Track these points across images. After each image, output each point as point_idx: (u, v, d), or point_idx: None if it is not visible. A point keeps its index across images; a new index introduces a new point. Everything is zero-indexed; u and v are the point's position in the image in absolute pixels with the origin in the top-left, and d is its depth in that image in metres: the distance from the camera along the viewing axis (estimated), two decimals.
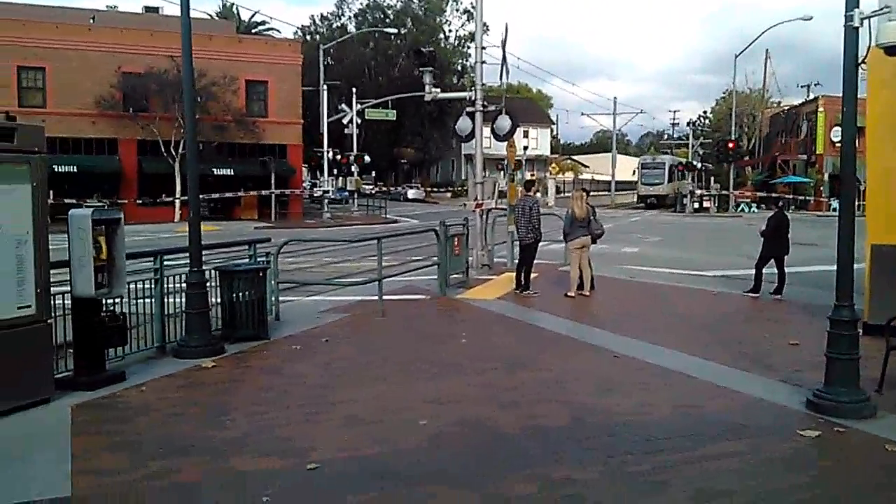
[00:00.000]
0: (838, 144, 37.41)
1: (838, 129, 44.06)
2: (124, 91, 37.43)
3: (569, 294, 13.53)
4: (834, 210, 49.23)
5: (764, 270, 13.94)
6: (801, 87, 64.27)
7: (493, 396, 7.52)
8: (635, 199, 63.38)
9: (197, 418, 6.82)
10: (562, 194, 56.70)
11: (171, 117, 35.94)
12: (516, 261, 14.72)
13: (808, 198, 50.74)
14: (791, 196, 48.52)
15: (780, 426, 6.69)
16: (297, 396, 7.50)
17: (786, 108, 65.35)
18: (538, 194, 16.58)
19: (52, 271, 7.33)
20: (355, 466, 5.70)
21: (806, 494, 5.34)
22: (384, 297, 12.05)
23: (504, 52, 16.33)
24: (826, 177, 52.48)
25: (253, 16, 71.59)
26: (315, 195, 45.31)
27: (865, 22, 6.96)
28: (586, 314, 12.24)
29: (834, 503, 5.32)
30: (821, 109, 53.26)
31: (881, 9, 7.26)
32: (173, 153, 36.85)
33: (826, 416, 6.82)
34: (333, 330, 10.71)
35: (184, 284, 9.24)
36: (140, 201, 36.52)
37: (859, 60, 7.09)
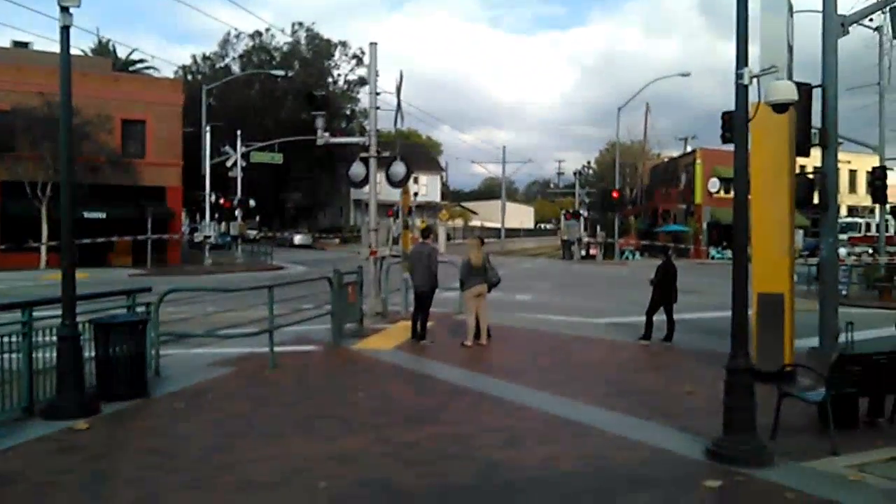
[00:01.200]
0: (715, 195, 39.61)
1: (715, 180, 46.55)
2: None
3: (465, 343, 13.38)
4: (712, 258, 51.95)
5: (654, 318, 14.25)
6: (679, 139, 67.79)
7: (395, 453, 7.22)
8: (559, 243, 67.73)
9: (73, 488, 6.18)
10: (452, 241, 57.11)
11: (39, 157, 33.92)
12: (411, 309, 14.47)
13: (688, 246, 53.09)
14: (672, 244, 50.80)
15: (684, 477, 6.69)
16: (184, 460, 6.94)
17: (665, 159, 68.66)
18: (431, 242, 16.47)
19: None
20: None
21: None
22: (275, 349, 11.50)
23: (399, 99, 16.33)
24: (704, 225, 55.15)
25: (130, 53, 69.44)
26: (196, 240, 43.71)
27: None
28: (484, 364, 12.10)
29: None
30: (698, 161, 56.15)
31: (769, 68, 7.58)
32: (40, 195, 34.74)
33: (726, 464, 6.89)
34: (221, 385, 10.12)
35: (54, 338, 8.49)
36: (3, 247, 34.15)
37: (750, 116, 7.34)
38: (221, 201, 41.97)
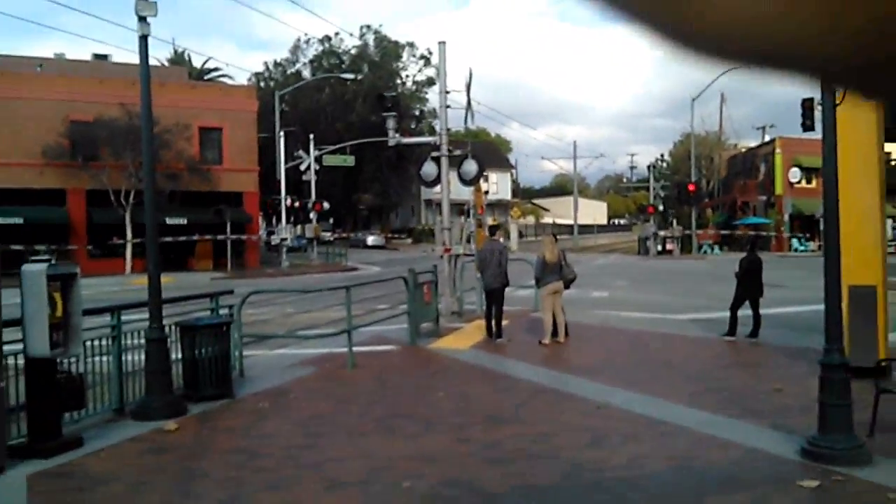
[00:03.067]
0: (797, 185, 38.31)
1: (796, 169, 45.01)
2: (73, 140, 36.47)
3: (543, 342, 13.22)
4: (795, 250, 50.34)
5: (738, 313, 13.83)
6: (757, 129, 65.68)
7: (478, 453, 7.17)
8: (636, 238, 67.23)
9: (165, 486, 6.32)
10: (524, 238, 56.86)
11: (122, 166, 35.14)
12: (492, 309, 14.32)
13: (769, 236, 51.53)
14: (753, 233, 49.45)
15: (778, 477, 6.44)
16: (271, 458, 7.03)
17: (743, 149, 66.70)
18: (501, 239, 16.40)
19: (2, 330, 6.83)
20: None
21: None
22: (353, 349, 11.60)
23: (469, 96, 16.26)
24: (786, 217, 53.40)
25: (205, 62, 71.40)
26: (273, 243, 44.56)
27: None
28: (563, 362, 11.95)
29: None
30: (778, 151, 54.33)
31: None
32: (124, 203, 35.94)
33: (822, 464, 6.60)
34: (303, 385, 10.24)
35: (142, 341, 8.74)
36: (92, 252, 35.49)
37: (837, 101, 7.03)
38: (297, 204, 42.69)
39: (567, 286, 13.71)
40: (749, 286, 13.71)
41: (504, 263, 13.76)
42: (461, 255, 17.16)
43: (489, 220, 31.36)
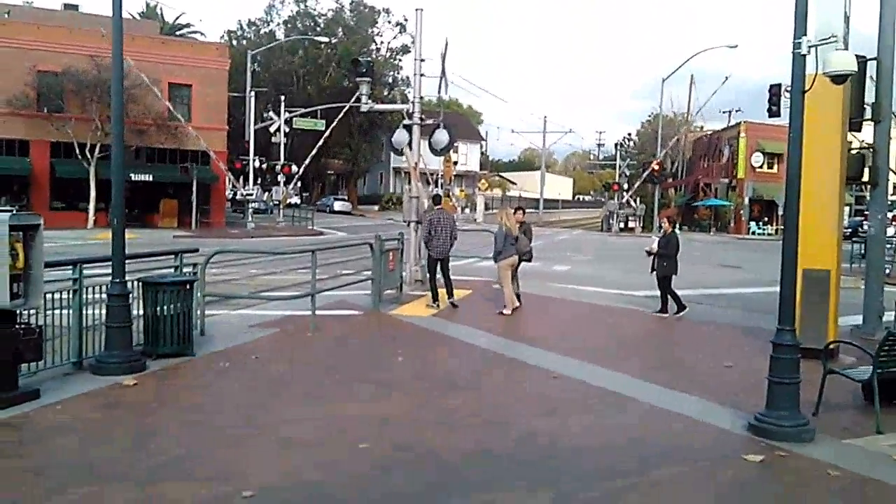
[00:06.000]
0: (759, 169, 38.85)
1: (758, 154, 45.51)
2: (39, 90, 35.78)
3: (504, 312, 13.37)
4: (753, 233, 51.26)
5: (673, 289, 14.05)
6: (723, 112, 66.12)
7: (434, 418, 7.29)
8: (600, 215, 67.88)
9: (120, 440, 6.35)
10: (490, 211, 56.97)
11: (88, 119, 34.55)
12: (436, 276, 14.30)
13: (728, 220, 52.49)
14: (713, 219, 50.23)
15: (725, 450, 6.65)
16: (228, 417, 7.09)
17: (708, 132, 67.33)
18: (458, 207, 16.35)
19: None
20: (295, 494, 5.38)
21: None
22: (316, 312, 11.63)
23: (444, 65, 16.18)
24: (746, 200, 54.31)
25: (178, 18, 70.12)
26: (238, 199, 44.03)
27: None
28: (523, 333, 12.10)
29: None
30: (742, 135, 55.14)
31: (829, 37, 7.35)
32: (89, 156, 35.38)
33: (768, 439, 6.83)
34: (263, 346, 10.27)
35: (104, 296, 8.68)
36: (57, 205, 34.98)
37: (805, 88, 7.15)
38: (265, 166, 42.26)
39: (521, 259, 13.88)
40: (669, 264, 13.92)
41: (455, 232, 13.97)
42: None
43: (457, 191, 31.42)
